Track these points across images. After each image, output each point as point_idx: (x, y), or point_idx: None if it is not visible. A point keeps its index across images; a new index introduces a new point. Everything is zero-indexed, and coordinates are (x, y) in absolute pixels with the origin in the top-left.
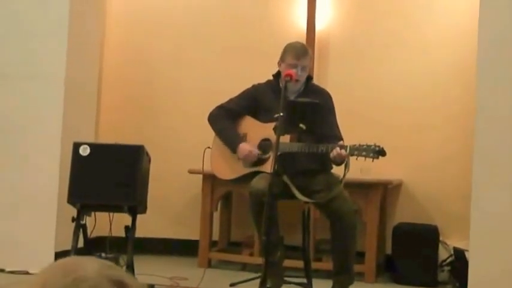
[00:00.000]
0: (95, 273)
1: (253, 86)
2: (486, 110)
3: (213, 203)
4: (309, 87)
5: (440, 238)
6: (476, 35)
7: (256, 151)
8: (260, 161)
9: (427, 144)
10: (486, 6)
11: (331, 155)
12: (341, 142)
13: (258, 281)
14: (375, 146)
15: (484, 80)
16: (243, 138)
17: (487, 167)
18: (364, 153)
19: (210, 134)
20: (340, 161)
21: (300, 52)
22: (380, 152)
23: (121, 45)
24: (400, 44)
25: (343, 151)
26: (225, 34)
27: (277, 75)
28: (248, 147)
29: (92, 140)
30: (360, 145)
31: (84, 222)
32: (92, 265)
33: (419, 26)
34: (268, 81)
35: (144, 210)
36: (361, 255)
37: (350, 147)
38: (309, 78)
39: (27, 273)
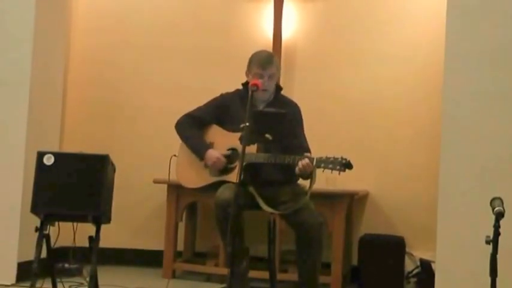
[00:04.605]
0: None
1: (221, 95)
2: (452, 121)
3: (178, 213)
4: (278, 98)
5: (407, 249)
6: (443, 45)
7: (223, 158)
8: (226, 170)
9: (394, 155)
10: (453, 15)
11: (297, 167)
12: (308, 154)
13: None
14: (342, 158)
15: (450, 90)
16: (210, 146)
17: (453, 178)
18: (330, 165)
19: (175, 142)
20: (306, 174)
21: (265, 61)
22: (346, 165)
23: (86, 53)
24: (367, 53)
25: (309, 162)
26: (191, 42)
27: (247, 85)
28: (216, 153)
29: (56, 148)
30: (326, 157)
31: (47, 232)
32: None
33: (385, 36)
34: (237, 91)
35: (108, 220)
36: (327, 266)
37: (316, 159)
38: (279, 88)
39: None
